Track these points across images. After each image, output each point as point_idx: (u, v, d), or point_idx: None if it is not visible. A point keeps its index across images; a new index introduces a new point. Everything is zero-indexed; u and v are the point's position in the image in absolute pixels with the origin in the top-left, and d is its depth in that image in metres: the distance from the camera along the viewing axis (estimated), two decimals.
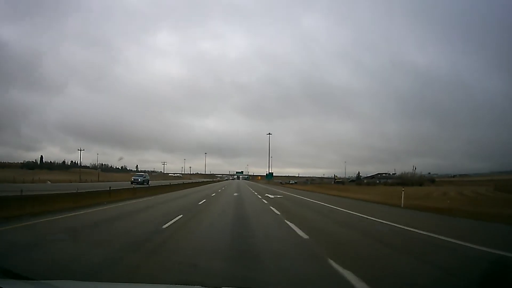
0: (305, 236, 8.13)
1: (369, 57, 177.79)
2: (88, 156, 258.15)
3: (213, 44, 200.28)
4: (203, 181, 77.70)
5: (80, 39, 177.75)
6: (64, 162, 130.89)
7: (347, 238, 8.44)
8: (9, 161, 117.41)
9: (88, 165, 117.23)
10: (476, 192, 40.83)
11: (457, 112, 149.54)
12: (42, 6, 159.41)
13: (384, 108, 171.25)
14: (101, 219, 11.06)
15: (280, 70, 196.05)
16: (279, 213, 13.43)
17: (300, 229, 9.10)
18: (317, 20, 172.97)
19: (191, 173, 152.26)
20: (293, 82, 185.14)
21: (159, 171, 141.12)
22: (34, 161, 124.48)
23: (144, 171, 61.06)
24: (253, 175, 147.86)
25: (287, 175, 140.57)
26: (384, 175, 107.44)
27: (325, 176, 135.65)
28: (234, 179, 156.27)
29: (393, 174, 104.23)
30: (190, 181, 67.93)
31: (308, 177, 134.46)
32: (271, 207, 15.76)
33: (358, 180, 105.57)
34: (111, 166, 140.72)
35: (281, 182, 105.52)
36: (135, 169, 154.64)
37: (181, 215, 11.76)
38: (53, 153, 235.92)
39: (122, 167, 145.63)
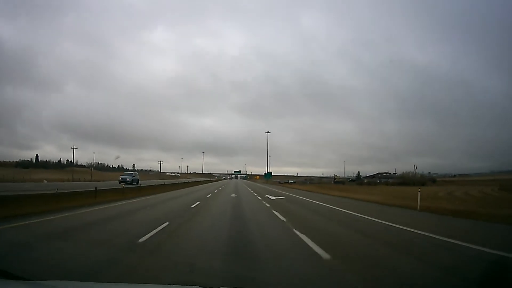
0: (325, 255, 6.07)
1: (369, 56, 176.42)
2: (84, 155, 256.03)
3: (211, 42, 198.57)
4: (200, 181, 75.53)
5: (76, 36, 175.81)
6: (59, 161, 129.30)
7: (386, 260, 6.18)
8: (4, 160, 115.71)
9: (84, 164, 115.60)
10: (482, 192, 39.51)
11: (457, 111, 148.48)
12: (38, 3, 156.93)
13: (383, 107, 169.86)
14: (62, 228, 8.95)
15: (279, 68, 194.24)
16: (285, 219, 11.32)
17: (315, 243, 7.03)
18: (316, 19, 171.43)
19: (188, 172, 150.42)
20: (291, 81, 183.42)
21: (156, 170, 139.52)
22: (30, 160, 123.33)
23: (134, 170, 56.86)
24: (251, 175, 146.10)
25: (285, 174, 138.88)
26: (384, 174, 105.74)
27: (324, 175, 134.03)
28: (232, 178, 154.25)
29: (394, 173, 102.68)
30: (186, 180, 65.75)
31: (307, 176, 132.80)
32: (274, 212, 13.68)
33: (358, 180, 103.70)
34: (107, 165, 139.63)
35: (279, 182, 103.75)
36: (132, 168, 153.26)
37: (167, 223, 9.66)
38: (49, 152, 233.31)
39: (118, 166, 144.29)
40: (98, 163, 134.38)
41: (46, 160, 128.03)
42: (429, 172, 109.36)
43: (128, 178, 39.75)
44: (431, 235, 8.46)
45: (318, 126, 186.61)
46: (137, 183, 38.04)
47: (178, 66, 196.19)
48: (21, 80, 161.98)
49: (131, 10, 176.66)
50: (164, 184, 37.74)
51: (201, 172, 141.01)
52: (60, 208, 13.18)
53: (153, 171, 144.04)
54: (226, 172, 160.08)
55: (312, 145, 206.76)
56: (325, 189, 49.72)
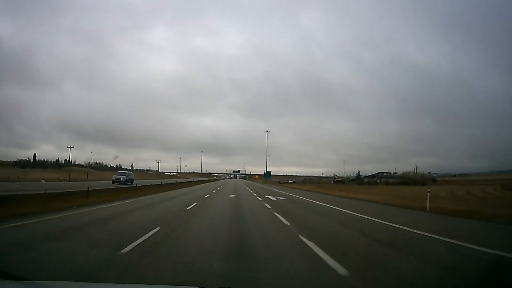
0: (342, 271, 5.07)
1: (369, 56, 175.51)
2: (83, 155, 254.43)
3: (210, 41, 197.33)
4: (198, 180, 74.48)
5: (75, 35, 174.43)
6: (57, 160, 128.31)
7: (417, 273, 5.18)
8: (2, 160, 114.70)
9: (82, 163, 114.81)
10: (485, 192, 38.86)
11: (457, 111, 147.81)
12: (35, 1, 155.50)
13: (383, 107, 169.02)
14: (33, 236, 7.81)
15: (278, 68, 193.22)
16: (288, 223, 10.30)
17: (328, 254, 6.03)
18: (316, 18, 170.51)
19: (187, 172, 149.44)
20: (291, 80, 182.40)
21: (155, 169, 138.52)
22: (27, 159, 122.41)
23: (129, 169, 54.08)
24: (250, 174, 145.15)
25: (284, 174, 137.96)
26: (385, 174, 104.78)
27: (323, 175, 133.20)
28: (231, 178, 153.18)
29: (394, 173, 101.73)
30: (184, 180, 64.67)
31: (306, 176, 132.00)
32: (276, 214, 12.66)
33: (358, 180, 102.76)
34: (105, 165, 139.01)
35: (279, 182, 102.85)
36: (130, 168, 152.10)
37: (158, 228, 8.65)
38: (47, 151, 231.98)
39: (117, 165, 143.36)
40: (97, 162, 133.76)
41: (44, 160, 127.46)
42: (429, 172, 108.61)
43: (122, 178, 38.19)
44: (463, 244, 7.43)
45: (317, 125, 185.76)
46: (132, 183, 36.75)
47: (177, 65, 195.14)
48: (20, 79, 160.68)
49: (130, 9, 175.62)
50: (161, 184, 36.69)
51: (200, 172, 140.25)
52: (46, 210, 12.22)
53: (151, 170, 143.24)
54: (225, 172, 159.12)
55: (311, 145, 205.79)
56: (325, 189, 48.78)
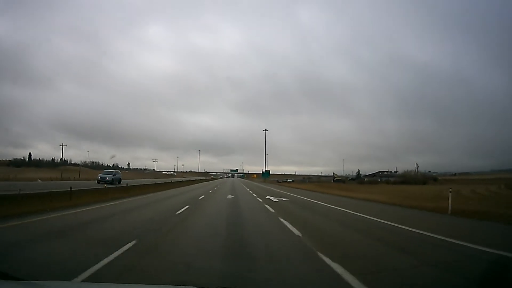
0: None
1: (368, 53, 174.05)
2: (80, 154, 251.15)
3: (208, 39, 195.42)
4: (195, 180, 72.46)
5: (71, 33, 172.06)
6: (53, 159, 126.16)
7: None
8: None
9: (79, 162, 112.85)
10: (489, 191, 37.21)
11: (457, 109, 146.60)
12: None
13: (382, 105, 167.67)
14: None
15: (277, 66, 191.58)
16: (299, 233, 8.25)
17: (358, 280, 4.12)
18: (314, 15, 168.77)
19: (184, 171, 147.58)
20: (289, 78, 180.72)
21: (152, 169, 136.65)
22: (22, 158, 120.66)
23: (112, 168, 49.03)
24: (249, 173, 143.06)
25: (283, 173, 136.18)
26: (385, 173, 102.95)
27: (322, 174, 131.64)
28: (228, 177, 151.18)
29: (395, 172, 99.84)
30: (180, 179, 62.60)
31: (305, 175, 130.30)
32: (282, 220, 10.66)
33: (359, 179, 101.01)
34: (102, 164, 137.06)
35: (277, 181, 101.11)
36: (127, 167, 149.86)
37: (134, 242, 6.66)
38: (43, 150, 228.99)
39: (113, 164, 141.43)
40: (93, 161, 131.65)
41: (39, 159, 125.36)
42: (429, 171, 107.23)
43: (108, 177, 35.43)
44: None
45: (316, 124, 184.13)
46: (119, 182, 34.74)
47: (175, 63, 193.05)
48: (15, 77, 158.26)
49: (127, 7, 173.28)
50: (155, 183, 34.72)
51: (198, 171, 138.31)
52: (16, 213, 10.55)
53: (148, 170, 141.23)
54: (223, 171, 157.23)
55: (310, 143, 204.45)
56: (326, 188, 47.07)
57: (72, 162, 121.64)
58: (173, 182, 45.05)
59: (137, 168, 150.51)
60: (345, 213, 14.35)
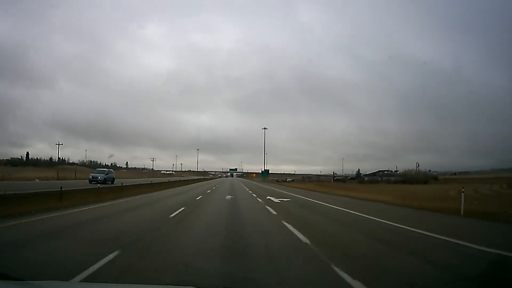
0: None
1: (368, 52, 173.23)
2: (78, 153, 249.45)
3: (206, 37, 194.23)
4: (193, 179, 71.40)
5: (68, 31, 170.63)
6: (51, 158, 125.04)
7: None
8: None
9: (76, 161, 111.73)
10: (492, 190, 36.79)
11: (457, 108, 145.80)
12: None
13: (382, 104, 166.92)
14: None
15: (275, 64, 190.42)
16: (308, 241, 7.24)
17: None
18: (313, 12, 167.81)
19: (183, 170, 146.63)
20: (288, 76, 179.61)
21: (150, 168, 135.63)
22: (20, 157, 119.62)
23: (111, 168, 45.74)
24: (247, 172, 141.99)
25: (282, 172, 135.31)
26: (385, 172, 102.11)
27: (322, 173, 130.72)
28: (227, 176, 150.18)
29: (395, 171, 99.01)
30: (177, 179, 61.58)
31: (304, 174, 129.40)
32: (286, 224, 9.66)
33: (358, 178, 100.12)
34: (100, 163, 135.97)
35: (277, 180, 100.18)
36: (125, 166, 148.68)
37: (116, 253, 5.64)
38: (41, 149, 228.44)
39: (112, 164, 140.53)
40: (91, 161, 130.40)
41: (37, 158, 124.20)
42: (429, 170, 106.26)
43: (100, 177, 33.70)
44: None
45: (315, 123, 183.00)
46: (112, 182, 33.35)
47: (173, 61, 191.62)
48: (12, 76, 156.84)
49: (124, 5, 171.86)
50: (151, 183, 33.64)
51: (196, 170, 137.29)
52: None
53: (146, 169, 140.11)
54: (221, 170, 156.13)
55: (309, 142, 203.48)
56: (327, 187, 46.14)
57: (70, 161, 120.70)
58: (170, 181, 43.95)
59: (135, 168, 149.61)
60: (354, 216, 13.33)
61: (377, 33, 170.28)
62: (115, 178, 36.54)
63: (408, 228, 9.60)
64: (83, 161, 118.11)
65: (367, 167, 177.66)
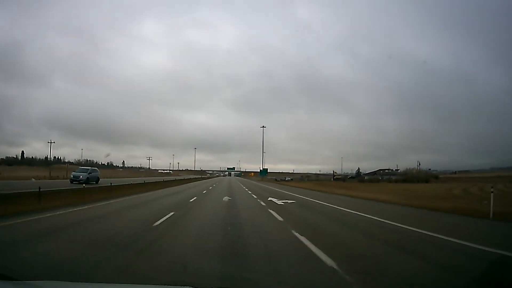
0: None
1: (367, 50, 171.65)
2: (75, 152, 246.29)
3: (204, 36, 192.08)
4: (190, 178, 69.36)
5: (63, 28, 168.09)
6: (46, 157, 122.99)
7: None
8: None
9: (72, 161, 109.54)
10: (497, 189, 34.73)
11: (457, 107, 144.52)
12: None
13: (381, 102, 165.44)
14: None
15: (274, 62, 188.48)
16: (334, 264, 5.23)
17: None
18: (312, 10, 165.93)
19: (180, 169, 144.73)
20: (287, 75, 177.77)
21: (147, 167, 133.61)
22: (15, 156, 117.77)
23: (93, 167, 40.50)
24: (246, 171, 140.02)
25: (280, 171, 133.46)
26: (386, 171, 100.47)
27: (321, 172, 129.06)
28: (225, 175, 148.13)
29: (396, 170, 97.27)
30: (173, 178, 59.51)
31: (303, 173, 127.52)
32: (298, 235, 7.65)
33: (359, 177, 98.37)
34: (96, 162, 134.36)
35: (275, 179, 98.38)
36: (122, 165, 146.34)
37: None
38: (37, 148, 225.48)
39: (108, 163, 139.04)
40: (87, 160, 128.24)
41: (32, 157, 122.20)
42: (429, 169, 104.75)
43: (82, 176, 29.97)
44: None
45: (314, 122, 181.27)
46: (97, 182, 30.57)
47: (170, 60, 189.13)
48: (7, 75, 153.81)
49: (121, 2, 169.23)
50: (144, 182, 31.58)
51: (194, 169, 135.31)
52: None
53: (143, 168, 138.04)
54: (219, 169, 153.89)
55: (308, 141, 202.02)
56: (328, 187, 44.50)
57: (66, 161, 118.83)
58: (165, 181, 41.86)
59: (132, 167, 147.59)
60: (370, 220, 11.32)
61: (376, 32, 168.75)
62: (99, 178, 33.41)
63: (439, 236, 7.71)
64: (79, 160, 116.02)
65: (367, 166, 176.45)
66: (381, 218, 11.62)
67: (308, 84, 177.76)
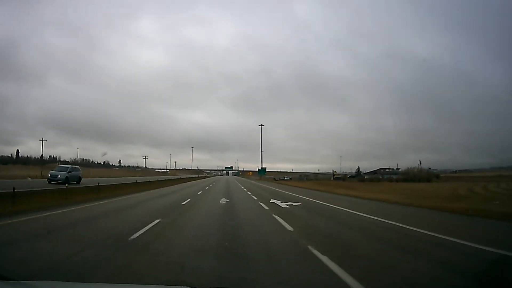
0: None
1: (366, 47, 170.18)
2: (70, 151, 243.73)
3: (201, 33, 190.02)
4: (186, 178, 67.39)
5: (59, 26, 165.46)
6: (41, 156, 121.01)
7: None
8: None
9: (68, 160, 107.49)
10: (502, 188, 35.10)
11: (457, 106, 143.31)
12: None
13: (381, 101, 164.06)
14: None
15: (272, 60, 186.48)
16: None
17: None
18: (311, 7, 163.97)
19: (177, 168, 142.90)
20: (285, 73, 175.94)
21: (144, 166, 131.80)
22: (10, 155, 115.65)
23: (114, 165, 38.52)
24: (243, 171, 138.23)
25: (279, 170, 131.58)
26: (387, 170, 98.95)
27: (319, 171, 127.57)
28: (223, 175, 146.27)
29: (396, 169, 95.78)
30: (169, 177, 57.54)
31: (302, 172, 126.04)
32: (317, 254, 5.74)
33: (359, 176, 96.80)
34: (93, 161, 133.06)
35: (274, 178, 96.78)
36: (118, 164, 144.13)
37: None
38: (32, 147, 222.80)
39: (104, 162, 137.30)
40: (83, 159, 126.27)
41: (27, 156, 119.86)
42: (430, 168, 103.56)
43: (60, 175, 26.88)
44: None
45: (313, 120, 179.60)
46: (78, 182, 28.01)
47: (167, 58, 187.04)
48: (2, 72, 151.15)
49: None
50: (136, 182, 29.67)
51: (191, 169, 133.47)
52: None
53: (140, 167, 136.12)
54: (217, 168, 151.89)
55: (306, 140, 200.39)
56: (329, 186, 43.01)
57: (62, 159, 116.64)
58: (160, 180, 39.90)
59: (128, 166, 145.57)
60: (397, 228, 9.38)
61: (376, 31, 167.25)
62: (81, 177, 30.51)
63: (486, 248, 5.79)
64: (75, 159, 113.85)
65: (366, 165, 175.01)
66: (400, 223, 9.95)
67: (307, 82, 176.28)
